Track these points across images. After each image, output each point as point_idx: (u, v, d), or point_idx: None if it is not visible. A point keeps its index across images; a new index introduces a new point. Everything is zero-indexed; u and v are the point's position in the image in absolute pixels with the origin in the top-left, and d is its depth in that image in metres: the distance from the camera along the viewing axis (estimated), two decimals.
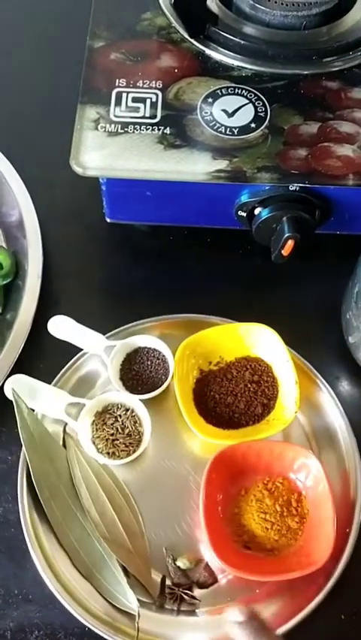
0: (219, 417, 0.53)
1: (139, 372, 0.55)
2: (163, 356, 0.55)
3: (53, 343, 0.56)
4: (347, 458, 0.52)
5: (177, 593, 0.48)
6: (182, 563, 0.48)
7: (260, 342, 0.55)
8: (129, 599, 0.47)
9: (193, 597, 0.48)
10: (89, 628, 0.46)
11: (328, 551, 0.47)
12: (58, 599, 0.47)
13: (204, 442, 0.52)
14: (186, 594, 0.48)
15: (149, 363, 0.55)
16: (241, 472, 0.51)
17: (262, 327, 0.55)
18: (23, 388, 0.53)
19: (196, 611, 0.48)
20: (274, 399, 0.54)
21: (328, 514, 0.48)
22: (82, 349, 0.55)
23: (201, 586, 0.48)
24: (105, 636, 0.46)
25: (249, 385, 0.54)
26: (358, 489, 0.50)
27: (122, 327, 0.57)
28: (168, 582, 0.48)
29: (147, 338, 0.56)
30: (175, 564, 0.49)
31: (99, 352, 0.55)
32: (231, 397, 0.54)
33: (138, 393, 0.54)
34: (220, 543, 0.48)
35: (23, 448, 0.50)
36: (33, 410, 0.52)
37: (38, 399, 0.53)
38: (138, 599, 0.47)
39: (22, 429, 0.51)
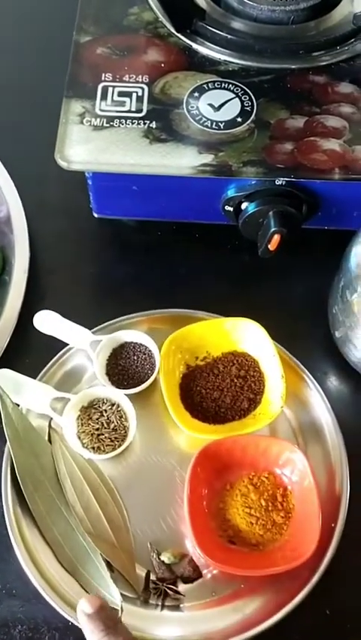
0: (206, 412, 0.53)
1: (125, 367, 0.55)
2: (149, 351, 0.55)
3: (39, 338, 0.56)
4: (333, 453, 0.52)
5: (161, 588, 0.48)
6: (166, 557, 0.48)
7: (247, 336, 0.55)
8: (112, 594, 0.46)
9: (177, 592, 0.47)
10: (72, 623, 0.46)
11: (313, 546, 0.46)
12: (41, 593, 0.47)
13: (191, 436, 0.52)
14: (170, 589, 0.47)
15: (135, 358, 0.55)
16: (226, 467, 0.51)
17: (249, 321, 0.55)
18: (8, 383, 0.52)
19: (180, 606, 0.48)
20: (260, 393, 0.54)
21: (313, 509, 0.48)
22: (68, 344, 0.55)
23: (186, 581, 0.48)
24: None
25: (235, 380, 0.54)
26: (343, 484, 0.50)
27: (108, 322, 0.57)
28: (152, 577, 0.48)
29: (133, 333, 0.56)
30: (160, 559, 0.48)
31: (85, 347, 0.55)
32: (217, 392, 0.54)
33: (124, 388, 0.54)
34: (205, 538, 0.48)
35: (8, 443, 0.50)
36: (18, 405, 0.52)
37: (23, 394, 0.53)
38: (122, 594, 0.47)
39: (7, 424, 0.51)
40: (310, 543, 0.47)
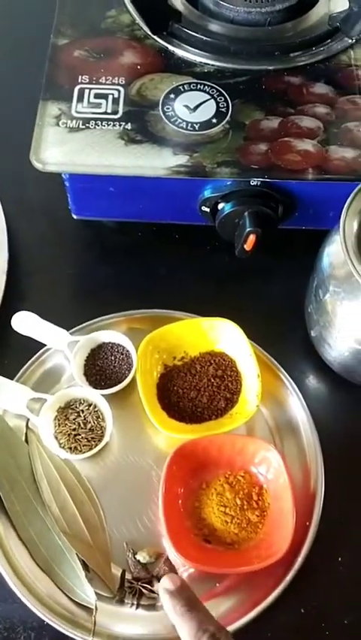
0: (183, 411, 0.54)
1: (103, 368, 0.55)
2: (127, 351, 0.55)
3: (18, 339, 0.56)
4: (308, 452, 0.52)
5: (136, 587, 0.48)
6: (142, 557, 0.48)
7: (223, 336, 0.55)
8: (87, 593, 0.47)
9: (152, 591, 0.48)
10: (47, 622, 0.46)
11: (286, 543, 0.47)
12: (16, 593, 0.47)
13: (168, 436, 0.52)
14: (145, 588, 0.48)
15: (113, 358, 0.56)
16: (202, 466, 0.51)
17: (225, 321, 0.55)
18: None
19: (156, 605, 0.48)
20: (237, 393, 0.54)
21: (288, 507, 0.48)
22: (46, 345, 0.56)
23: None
24: (64, 631, 0.46)
25: (212, 380, 0.55)
26: (318, 482, 0.51)
27: (86, 323, 0.57)
28: (128, 576, 0.48)
29: (110, 333, 0.56)
30: (135, 558, 0.49)
31: (63, 348, 0.55)
32: (194, 392, 0.54)
33: (101, 389, 0.54)
34: (180, 537, 0.48)
35: None
36: None
37: (0, 394, 0.53)
38: (98, 594, 0.47)
39: None
40: (285, 541, 0.47)
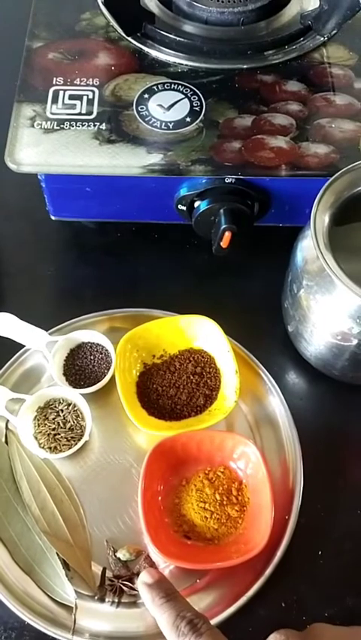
0: (162, 409, 0.54)
1: (82, 367, 0.56)
2: (106, 350, 0.56)
3: None
4: (287, 447, 0.52)
5: (116, 585, 0.48)
6: (122, 554, 0.49)
7: (202, 333, 0.56)
8: (67, 592, 0.47)
9: (132, 589, 0.48)
10: (28, 622, 0.46)
11: (264, 538, 0.47)
12: None
13: (148, 434, 0.52)
14: (125, 585, 0.48)
15: (92, 357, 0.56)
16: (182, 463, 0.51)
17: (203, 318, 0.55)
18: None
19: (137, 602, 0.48)
20: (216, 390, 0.54)
21: (266, 501, 0.48)
22: (25, 346, 0.56)
23: None
24: (45, 630, 0.46)
25: (191, 377, 0.55)
26: (297, 477, 0.51)
27: (65, 323, 0.57)
28: (108, 574, 0.48)
29: (89, 333, 0.56)
30: (115, 556, 0.49)
31: (41, 348, 0.55)
32: (173, 389, 0.54)
33: (81, 388, 0.54)
34: (159, 534, 0.48)
35: None
36: None
37: None
38: (79, 592, 0.47)
39: None
40: (263, 535, 0.47)
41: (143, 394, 0.54)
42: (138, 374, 0.55)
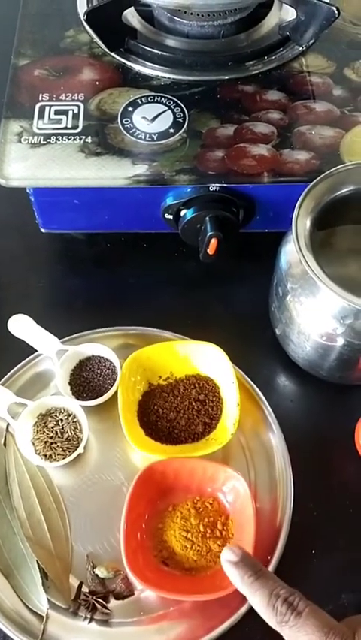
0: (160, 431, 0.54)
1: (88, 380, 0.56)
2: (113, 366, 0.56)
3: (9, 343, 0.57)
4: (279, 486, 0.52)
5: (90, 601, 0.47)
6: (100, 571, 0.49)
7: (209, 361, 0.55)
8: (41, 601, 0.47)
9: (105, 607, 0.47)
10: (5, 634, 0.46)
11: None
12: None
13: (144, 455, 0.52)
14: (99, 603, 0.47)
15: (98, 371, 0.56)
16: (171, 488, 0.51)
17: (213, 346, 0.55)
18: None
19: (109, 621, 0.47)
20: (216, 419, 0.54)
21: (249, 540, 0.47)
22: (35, 351, 0.57)
23: (117, 596, 0.48)
24: (13, 636, 0.46)
25: (193, 403, 0.55)
26: (285, 517, 0.50)
27: (78, 334, 0.58)
28: (84, 589, 0.48)
29: (99, 347, 0.57)
30: (94, 572, 0.49)
31: (51, 355, 0.56)
32: (174, 413, 0.54)
33: (83, 400, 0.55)
34: (137, 556, 0.47)
35: None
36: None
37: None
38: (53, 603, 0.47)
39: None
40: None
41: (143, 414, 0.54)
42: (142, 393, 0.55)
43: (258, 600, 0.40)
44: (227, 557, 0.42)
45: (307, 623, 0.38)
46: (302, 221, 0.47)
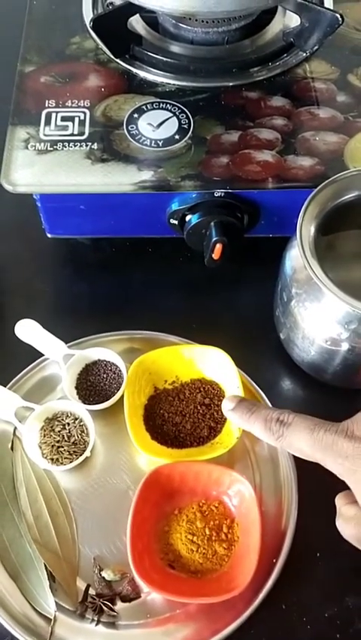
0: (165, 435, 0.54)
1: (94, 384, 0.57)
2: (119, 370, 0.56)
3: (17, 346, 0.57)
4: (284, 489, 0.52)
5: (97, 604, 0.48)
6: (107, 574, 0.49)
7: (214, 365, 0.56)
8: (49, 603, 0.47)
9: (112, 609, 0.48)
10: (6, 628, 0.47)
11: (246, 580, 0.46)
12: None
13: (149, 458, 0.52)
14: (106, 605, 0.48)
15: (105, 375, 0.57)
16: (177, 492, 0.51)
17: (218, 350, 0.55)
18: None
19: (116, 623, 0.48)
20: (221, 423, 0.54)
21: (255, 543, 0.48)
22: (42, 356, 0.57)
23: (124, 599, 0.48)
24: (20, 638, 0.47)
25: (199, 407, 0.55)
26: (290, 520, 0.50)
27: (83, 338, 0.58)
28: (91, 592, 0.48)
29: (105, 351, 0.57)
30: (101, 574, 0.49)
31: (58, 359, 0.57)
32: (179, 417, 0.55)
33: (89, 404, 0.55)
34: (144, 559, 0.48)
35: None
36: None
37: None
38: (61, 606, 0.48)
39: None
40: (245, 577, 0.46)
41: (149, 418, 0.55)
42: (147, 397, 0.56)
43: (257, 429, 0.45)
44: (226, 407, 0.47)
45: (296, 429, 0.43)
46: (307, 227, 0.48)
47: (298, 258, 0.49)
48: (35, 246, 0.65)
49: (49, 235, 0.62)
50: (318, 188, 0.49)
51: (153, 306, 0.63)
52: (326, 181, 0.50)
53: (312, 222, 0.48)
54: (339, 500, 0.45)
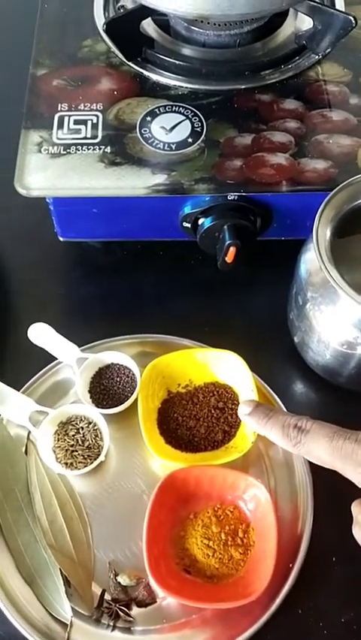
0: (180, 439, 0.54)
1: (107, 388, 0.56)
2: (133, 374, 0.56)
3: (30, 351, 0.57)
4: (300, 493, 0.52)
5: (113, 609, 0.48)
6: (123, 579, 0.49)
7: (228, 368, 0.55)
8: (65, 609, 0.47)
9: (128, 614, 0.48)
10: (22, 634, 0.46)
11: (263, 585, 0.46)
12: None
13: (163, 462, 0.52)
14: (122, 610, 0.48)
15: (118, 379, 0.57)
16: (192, 496, 0.51)
17: (232, 354, 0.55)
18: None
19: (132, 628, 0.48)
20: (236, 427, 0.54)
21: (271, 548, 0.47)
22: (55, 360, 0.57)
23: (140, 604, 0.48)
24: None
25: (213, 411, 0.55)
26: (306, 525, 0.50)
27: (96, 342, 0.58)
28: (107, 597, 0.48)
29: (119, 355, 0.57)
30: (116, 579, 0.49)
31: (72, 363, 0.56)
32: (193, 421, 0.54)
33: (103, 408, 0.55)
34: (160, 564, 0.48)
35: None
36: None
37: (5, 404, 0.54)
38: (76, 611, 0.48)
39: None
40: (262, 582, 0.46)
41: (163, 422, 0.55)
42: (161, 401, 0.56)
43: (274, 435, 0.44)
44: (243, 411, 0.47)
45: (314, 435, 0.43)
46: (323, 231, 0.48)
47: (313, 262, 0.49)
48: (47, 249, 0.65)
49: (61, 239, 0.62)
50: (334, 191, 0.49)
51: (165, 309, 0.62)
52: (342, 184, 0.50)
53: (328, 226, 0.48)
54: (355, 507, 0.44)
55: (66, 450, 0.53)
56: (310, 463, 0.52)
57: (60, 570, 0.48)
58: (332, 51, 0.61)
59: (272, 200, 0.56)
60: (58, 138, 0.56)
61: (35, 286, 0.64)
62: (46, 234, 0.63)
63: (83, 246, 0.64)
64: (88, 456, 0.53)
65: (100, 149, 0.56)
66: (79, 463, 0.53)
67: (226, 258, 0.56)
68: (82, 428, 0.55)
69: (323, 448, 0.42)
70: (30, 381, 0.56)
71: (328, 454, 0.42)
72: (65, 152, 0.55)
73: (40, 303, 0.63)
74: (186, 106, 0.58)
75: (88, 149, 0.56)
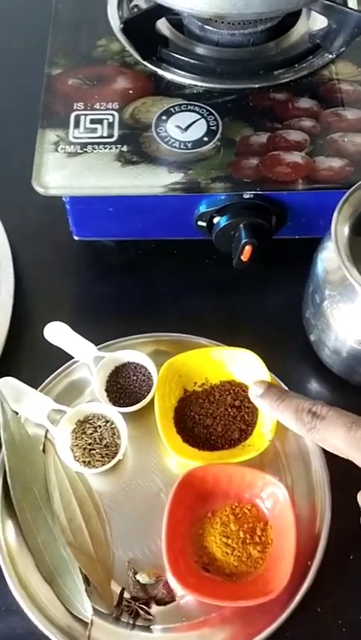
0: (197, 437, 0.54)
1: (124, 386, 0.56)
2: (149, 373, 0.56)
3: (47, 350, 0.57)
4: (317, 491, 0.52)
5: (133, 607, 0.48)
6: (142, 577, 0.49)
7: (245, 367, 0.55)
8: (85, 607, 0.47)
9: (148, 613, 0.48)
10: (43, 632, 0.47)
11: (283, 583, 0.46)
12: (18, 601, 0.47)
13: (181, 461, 0.52)
14: (141, 609, 0.48)
15: (135, 378, 0.57)
16: (211, 494, 0.51)
17: (248, 352, 0.55)
18: (11, 391, 0.54)
19: (151, 627, 0.48)
20: (252, 425, 0.54)
21: (290, 546, 0.47)
22: (71, 358, 0.57)
23: (159, 602, 0.48)
24: None
25: (229, 410, 0.55)
26: (324, 522, 0.50)
27: (113, 341, 0.58)
28: (126, 595, 0.48)
29: (135, 354, 0.57)
30: (135, 578, 0.49)
31: (88, 362, 0.56)
32: (210, 419, 0.54)
33: (120, 406, 0.55)
34: (179, 562, 0.48)
35: (3, 448, 0.52)
36: (17, 413, 0.54)
37: (23, 402, 0.54)
38: (96, 609, 0.48)
39: (4, 430, 0.52)
40: (282, 580, 0.46)
41: (180, 420, 0.55)
42: (177, 399, 0.56)
43: (287, 418, 0.44)
44: (255, 393, 0.46)
45: (331, 423, 0.42)
46: (341, 229, 0.48)
47: (330, 260, 0.49)
48: (61, 248, 0.65)
49: (76, 238, 0.62)
50: (352, 189, 0.49)
51: (179, 307, 0.63)
52: (360, 182, 0.50)
53: (346, 223, 0.48)
54: None
55: (84, 448, 0.53)
56: (327, 460, 0.52)
57: (80, 568, 0.48)
58: (346, 50, 0.61)
59: (288, 198, 0.56)
60: (74, 137, 0.56)
61: (50, 285, 0.64)
62: (60, 234, 0.63)
63: (97, 245, 0.64)
64: (106, 454, 0.53)
65: (116, 147, 0.56)
66: (97, 461, 0.53)
67: (242, 257, 0.57)
68: (99, 426, 0.55)
69: (341, 437, 0.42)
70: (47, 380, 0.56)
71: (345, 444, 0.42)
72: (81, 151, 0.56)
73: (54, 302, 0.63)
74: (202, 105, 0.58)
75: (104, 148, 0.56)
